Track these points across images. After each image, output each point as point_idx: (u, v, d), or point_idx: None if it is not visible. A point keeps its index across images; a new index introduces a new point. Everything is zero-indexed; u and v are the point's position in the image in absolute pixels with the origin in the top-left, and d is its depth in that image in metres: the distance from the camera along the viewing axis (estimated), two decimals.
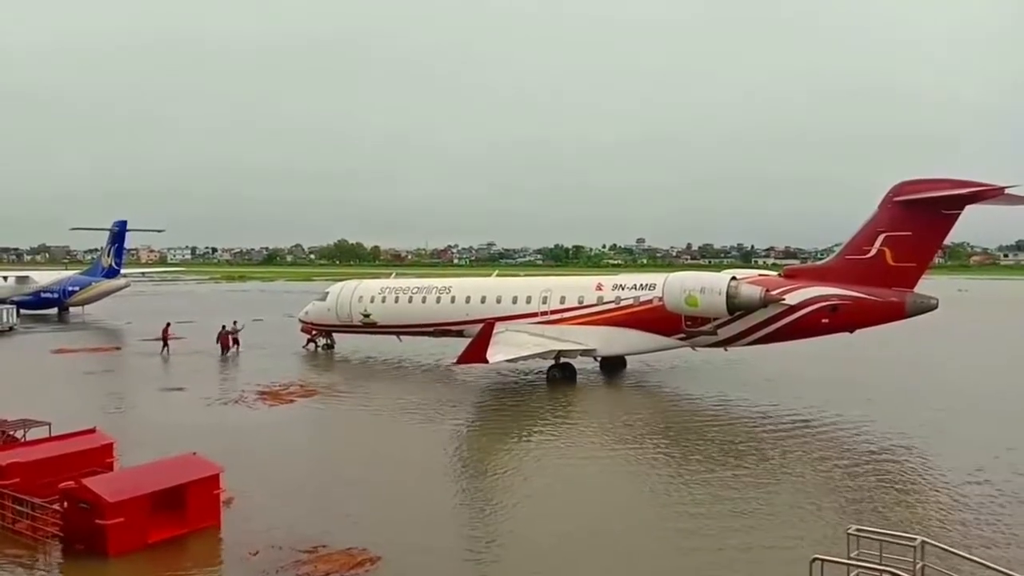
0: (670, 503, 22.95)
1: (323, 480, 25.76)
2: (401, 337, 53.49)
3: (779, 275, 42.45)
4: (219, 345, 55.74)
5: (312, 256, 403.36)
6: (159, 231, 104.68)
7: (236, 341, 57.34)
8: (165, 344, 56.92)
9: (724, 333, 40.62)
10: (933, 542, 16.12)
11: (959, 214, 36.46)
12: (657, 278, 43.25)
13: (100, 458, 23.66)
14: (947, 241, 41.98)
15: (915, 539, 15.42)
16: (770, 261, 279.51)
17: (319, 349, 57.35)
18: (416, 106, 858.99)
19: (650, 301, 42.22)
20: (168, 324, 59.65)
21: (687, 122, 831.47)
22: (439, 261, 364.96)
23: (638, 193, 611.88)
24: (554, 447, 29.53)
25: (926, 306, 37.46)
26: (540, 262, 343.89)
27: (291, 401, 38.77)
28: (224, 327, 57.34)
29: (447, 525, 21.30)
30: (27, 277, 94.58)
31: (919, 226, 36.45)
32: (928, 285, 39.70)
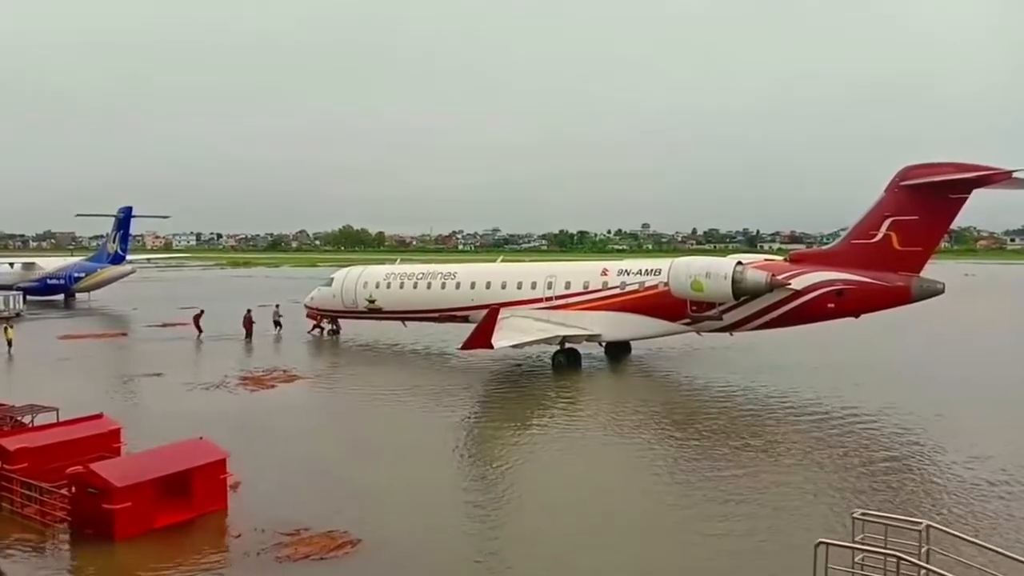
0: (674, 493, 22.87)
1: (300, 466, 25.50)
2: (406, 323, 53.59)
3: (785, 260, 42.29)
4: (244, 328, 57.37)
5: (317, 242, 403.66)
6: (164, 217, 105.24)
7: (278, 323, 60.24)
8: (199, 330, 58.59)
9: (729, 318, 40.55)
10: (938, 526, 16.13)
11: (966, 198, 36.25)
12: (662, 263, 43.14)
13: (108, 443, 23.79)
14: (954, 225, 41.75)
15: (920, 523, 15.41)
16: (776, 246, 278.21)
17: (324, 335, 57.55)
18: (422, 98, 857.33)
19: (655, 286, 42.15)
20: (201, 311, 60.53)
21: (691, 111, 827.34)
22: (444, 247, 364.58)
23: (643, 179, 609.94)
24: (556, 436, 29.33)
25: (932, 290, 37.32)
26: (545, 247, 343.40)
27: (272, 387, 38.91)
28: (249, 311, 58.71)
29: (434, 512, 21.18)
30: (33, 263, 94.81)
31: (925, 210, 36.26)
32: (934, 269, 39.56)
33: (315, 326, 58.47)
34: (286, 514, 20.64)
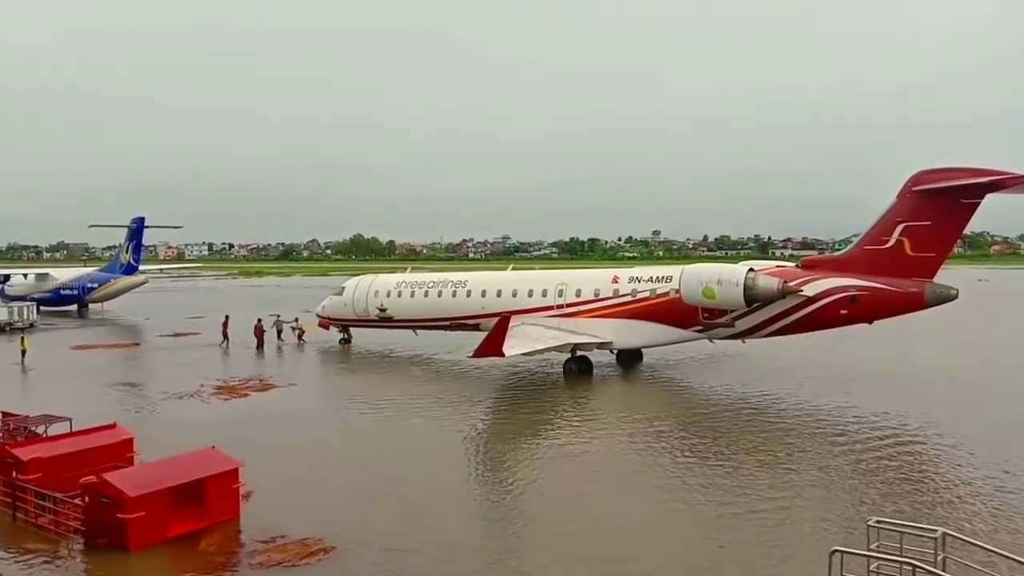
0: (686, 504, 22.61)
1: (270, 475, 24.98)
2: (417, 331, 53.63)
3: (797, 266, 42.08)
4: (255, 338, 57.57)
5: (328, 251, 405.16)
6: (177, 228, 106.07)
7: (301, 332, 60.15)
8: (225, 338, 58.78)
9: (741, 325, 40.37)
10: (954, 533, 15.97)
11: (979, 203, 35.95)
12: (673, 270, 42.95)
13: (121, 453, 23.88)
14: (967, 230, 41.48)
15: (936, 530, 15.28)
16: (787, 252, 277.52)
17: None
18: (430, 102, 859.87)
19: (667, 293, 42.02)
20: (227, 317, 60.61)
21: (702, 117, 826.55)
22: (454, 255, 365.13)
23: (653, 185, 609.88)
24: (562, 447, 28.93)
25: (945, 296, 37.05)
26: (555, 255, 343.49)
27: (245, 395, 39.13)
28: (260, 320, 58.94)
29: (417, 521, 21.09)
30: (47, 274, 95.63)
31: (938, 215, 36.03)
32: (948, 275, 39.30)
33: (300, 334, 59.44)
34: (261, 524, 20.73)
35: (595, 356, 44.56)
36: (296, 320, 61.37)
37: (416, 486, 24.15)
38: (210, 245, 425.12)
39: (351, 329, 57.54)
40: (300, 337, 59.74)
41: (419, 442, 29.93)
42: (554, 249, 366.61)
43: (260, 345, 56.71)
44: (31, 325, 72.78)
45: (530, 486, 24.04)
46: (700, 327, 41.48)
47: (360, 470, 26.23)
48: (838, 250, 52.94)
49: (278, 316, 61.40)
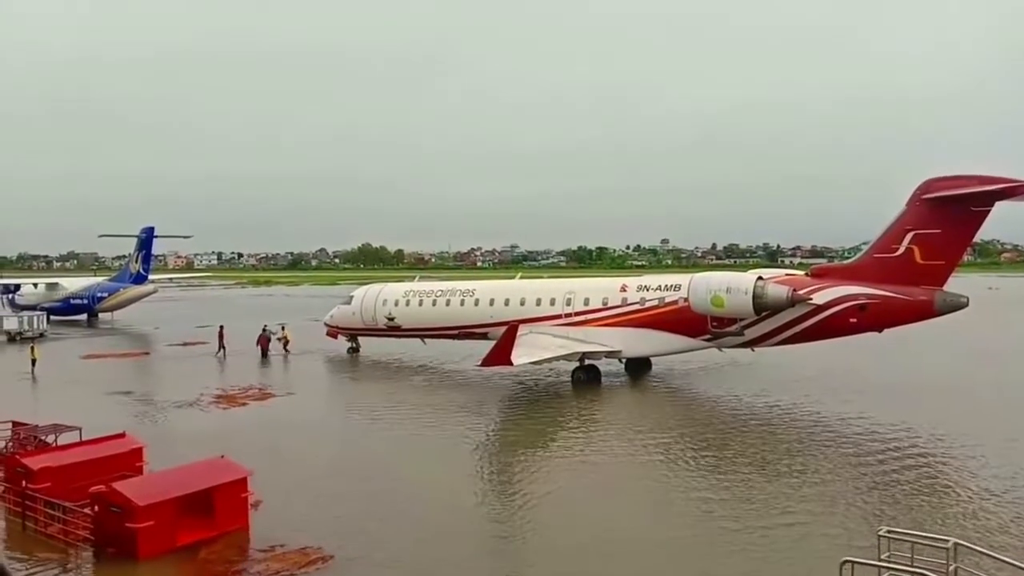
0: (696, 518, 22.39)
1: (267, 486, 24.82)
2: (425, 340, 53.63)
3: (806, 274, 41.96)
4: (259, 347, 57.57)
5: (336, 260, 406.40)
6: (186, 237, 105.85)
7: (287, 341, 59.63)
8: (221, 346, 58.67)
9: (751, 334, 40.25)
10: (966, 543, 15.85)
11: (989, 211, 35.87)
12: (682, 279, 42.92)
13: (130, 462, 23.94)
14: (977, 238, 41.30)
15: (948, 540, 15.18)
16: (797, 260, 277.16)
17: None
18: (438, 110, 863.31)
19: (675, 302, 41.92)
20: (222, 327, 60.61)
21: (709, 125, 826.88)
22: (463, 264, 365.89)
23: (662, 194, 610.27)
24: (573, 454, 28.87)
25: (956, 304, 36.88)
26: (564, 264, 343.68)
27: (244, 404, 39.17)
28: (265, 328, 58.90)
29: (419, 532, 21.01)
30: (57, 284, 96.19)
31: (948, 223, 35.92)
32: (958, 283, 39.13)
33: (285, 343, 59.25)
34: (263, 534, 20.74)
35: (603, 365, 44.48)
36: (282, 328, 61.21)
37: (419, 496, 24.07)
38: (219, 254, 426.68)
39: (359, 338, 57.62)
40: (285, 347, 59.21)
41: (423, 452, 29.84)
42: (562, 258, 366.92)
43: (265, 354, 56.72)
44: (41, 335, 73.09)
45: (537, 498, 23.86)
46: (709, 336, 41.37)
47: (362, 480, 26.12)
48: (848, 258, 52.83)
49: (265, 326, 60.93)
